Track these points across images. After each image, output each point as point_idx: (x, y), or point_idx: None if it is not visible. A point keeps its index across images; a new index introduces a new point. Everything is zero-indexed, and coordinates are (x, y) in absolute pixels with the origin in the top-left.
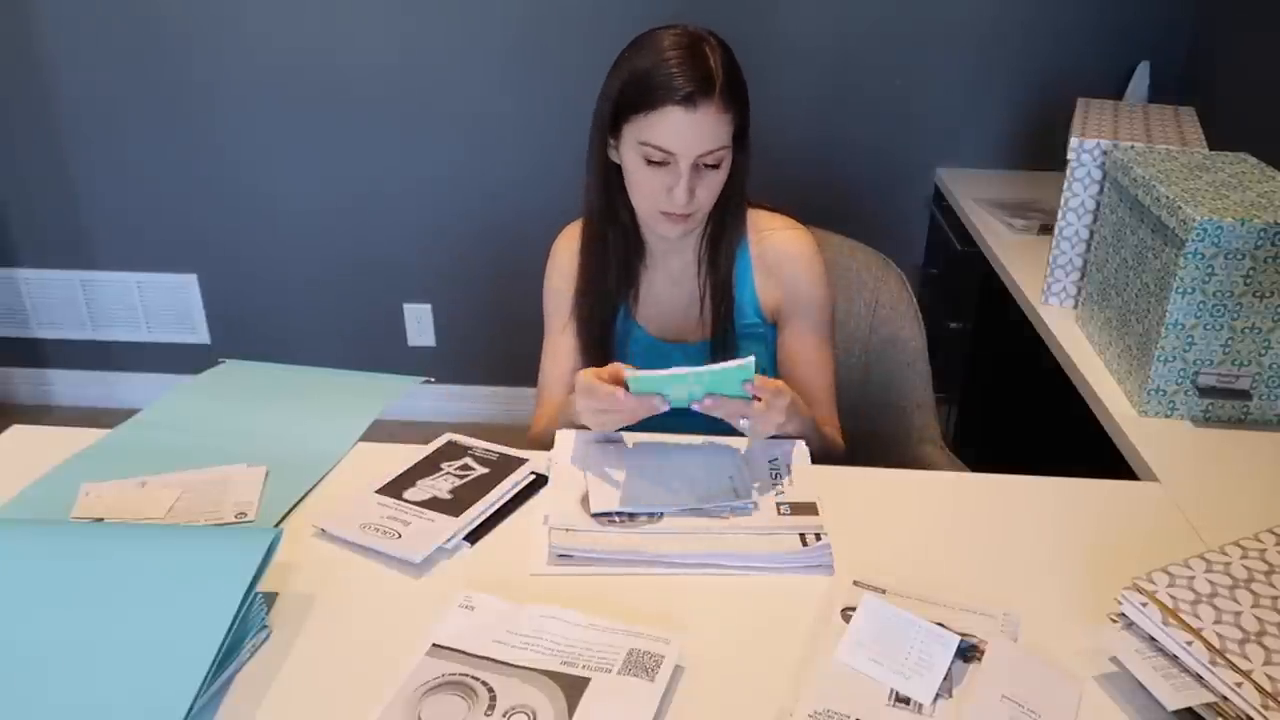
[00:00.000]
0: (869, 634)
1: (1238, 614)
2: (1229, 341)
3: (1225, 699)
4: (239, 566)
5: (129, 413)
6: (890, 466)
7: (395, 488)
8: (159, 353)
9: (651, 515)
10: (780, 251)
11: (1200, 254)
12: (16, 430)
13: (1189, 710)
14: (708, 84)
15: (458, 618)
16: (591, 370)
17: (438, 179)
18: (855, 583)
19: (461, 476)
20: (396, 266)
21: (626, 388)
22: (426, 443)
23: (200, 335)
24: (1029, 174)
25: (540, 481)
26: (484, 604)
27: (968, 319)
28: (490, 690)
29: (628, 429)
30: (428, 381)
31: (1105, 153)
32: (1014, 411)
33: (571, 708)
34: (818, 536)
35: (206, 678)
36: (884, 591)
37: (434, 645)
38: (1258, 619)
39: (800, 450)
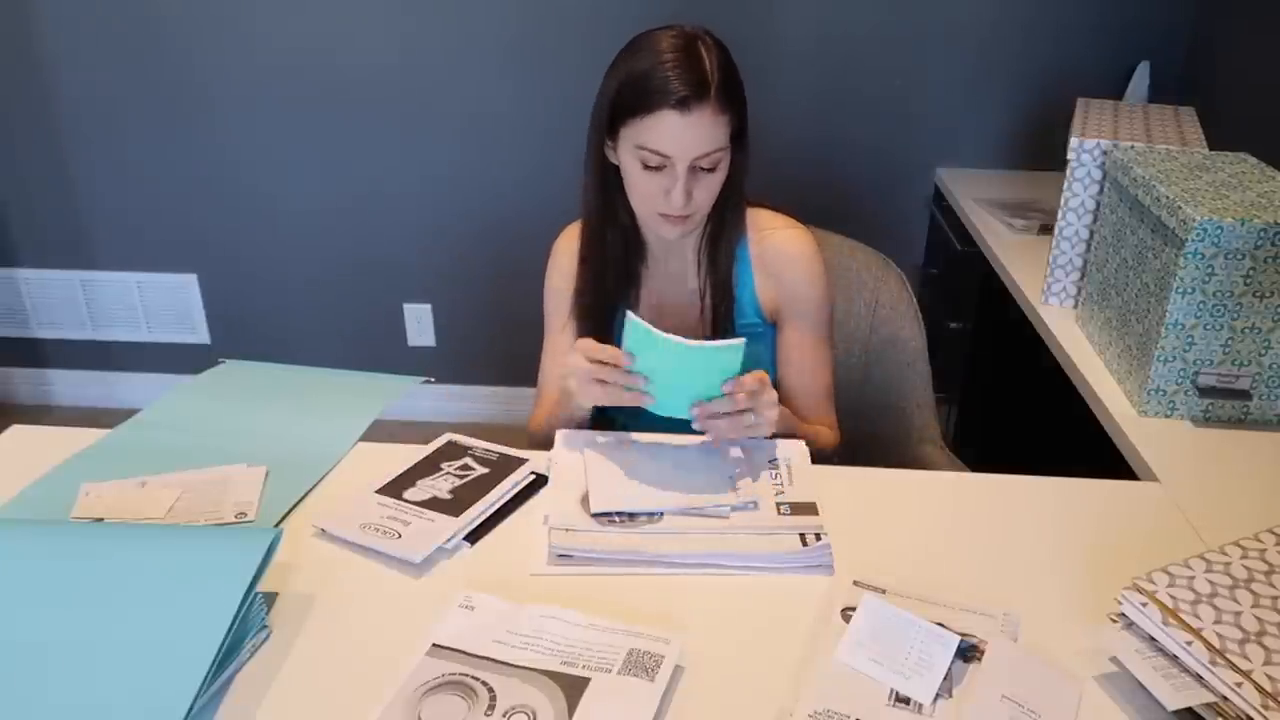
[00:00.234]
0: (869, 634)
1: (1238, 614)
2: (1229, 341)
3: (1225, 699)
4: (239, 566)
5: (129, 413)
6: (890, 466)
7: (395, 488)
8: (159, 353)
9: (651, 515)
10: (780, 251)
11: (1200, 254)
12: (16, 430)
13: (1189, 710)
14: (703, 87)
15: (458, 618)
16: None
17: (438, 179)
18: (855, 583)
19: (461, 476)
20: (396, 266)
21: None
22: (426, 443)
23: (200, 335)
24: (1029, 174)
25: (540, 481)
26: (484, 604)
27: (968, 319)
28: (490, 690)
29: (629, 428)
30: (428, 381)
31: (1105, 153)
32: (1014, 411)
33: (571, 708)
34: (818, 536)
35: (206, 678)
36: (884, 591)
37: (434, 645)
38: (1258, 619)
39: (800, 450)
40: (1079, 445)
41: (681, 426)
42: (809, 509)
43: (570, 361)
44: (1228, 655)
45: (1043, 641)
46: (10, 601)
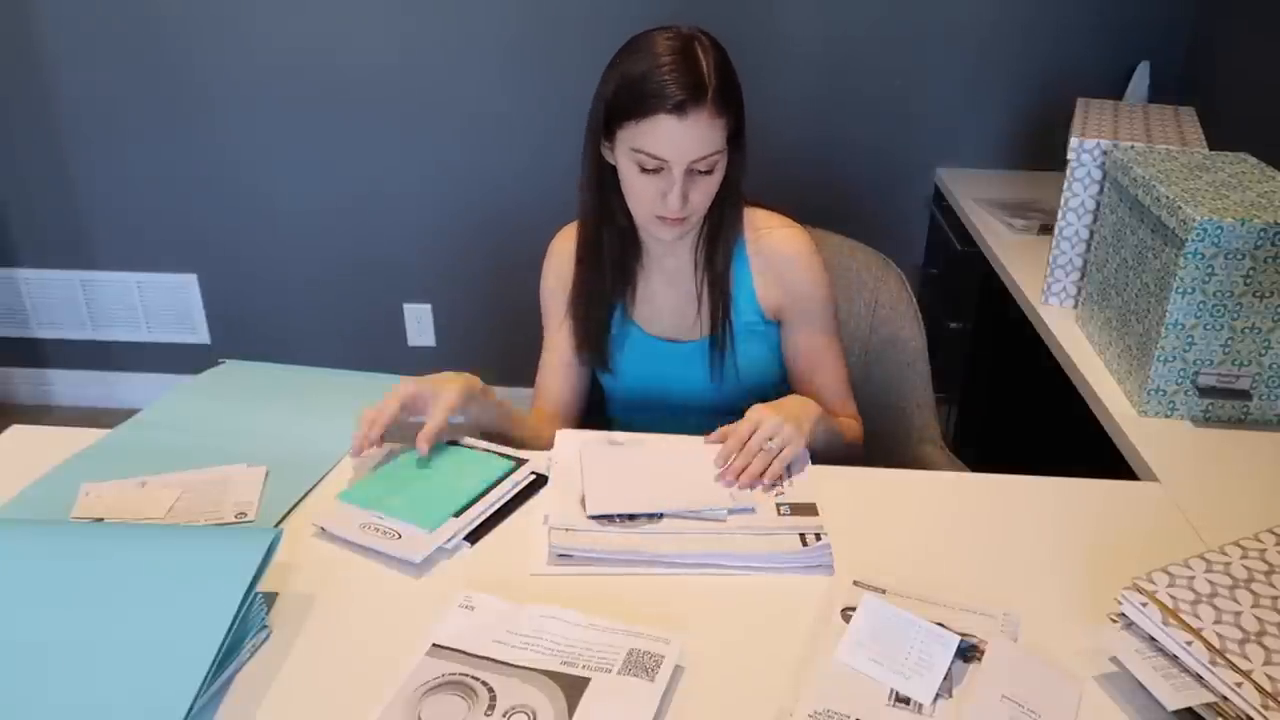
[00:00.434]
0: (869, 634)
1: (1238, 614)
2: (1229, 341)
3: (1225, 699)
4: (239, 566)
5: (129, 413)
6: (890, 466)
7: None
8: (159, 353)
9: (651, 515)
10: (778, 251)
11: (1200, 254)
12: (16, 430)
13: (1189, 710)
14: (700, 90)
15: (458, 618)
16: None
17: (437, 178)
18: (855, 583)
19: None
20: (396, 266)
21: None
22: None
23: (200, 335)
24: (1029, 174)
25: (540, 481)
26: (484, 604)
27: (968, 319)
28: (490, 690)
29: (630, 429)
30: None
31: (1105, 153)
32: (1014, 411)
33: (571, 708)
34: (818, 536)
35: (206, 678)
36: (884, 591)
37: (434, 645)
38: (1258, 619)
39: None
40: (1079, 445)
41: (682, 426)
42: (809, 509)
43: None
44: (1228, 655)
45: (1043, 641)
46: (10, 601)
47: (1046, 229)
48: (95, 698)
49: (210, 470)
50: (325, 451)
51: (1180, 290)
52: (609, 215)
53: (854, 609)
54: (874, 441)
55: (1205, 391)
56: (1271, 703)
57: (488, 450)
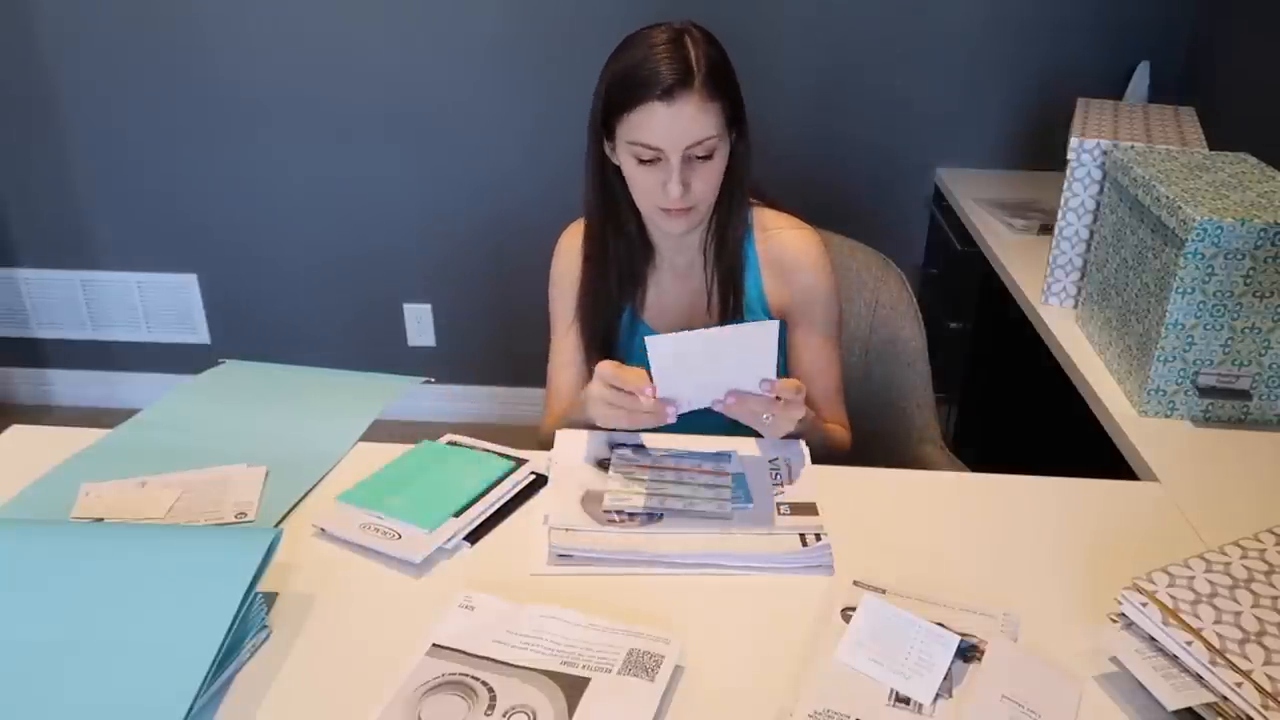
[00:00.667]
0: (869, 634)
1: (1238, 614)
2: (1229, 341)
3: (1225, 699)
4: (239, 566)
5: (129, 413)
6: (890, 466)
7: None
8: (159, 353)
9: (651, 515)
10: (787, 252)
11: (1200, 254)
12: (16, 430)
13: (1189, 710)
14: (688, 75)
15: (458, 618)
16: (616, 364)
17: (437, 179)
18: (855, 583)
19: None
20: (396, 267)
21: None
22: None
23: (200, 335)
24: (1029, 174)
25: (540, 481)
26: (484, 604)
27: (968, 319)
28: (490, 690)
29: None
30: (428, 381)
31: (1105, 153)
32: (1014, 411)
33: (571, 708)
34: (818, 536)
35: (206, 678)
36: (884, 591)
37: (434, 645)
38: (1258, 619)
39: (800, 450)
40: (1079, 445)
41: (689, 425)
42: (809, 509)
43: (592, 391)
44: (1228, 655)
45: (1043, 641)
46: (10, 601)
47: (1046, 229)
48: (95, 698)
49: (210, 470)
50: (325, 451)
51: (1180, 290)
52: (614, 215)
53: (854, 609)
54: (874, 441)
55: (1205, 391)
56: (1271, 703)
57: (488, 450)
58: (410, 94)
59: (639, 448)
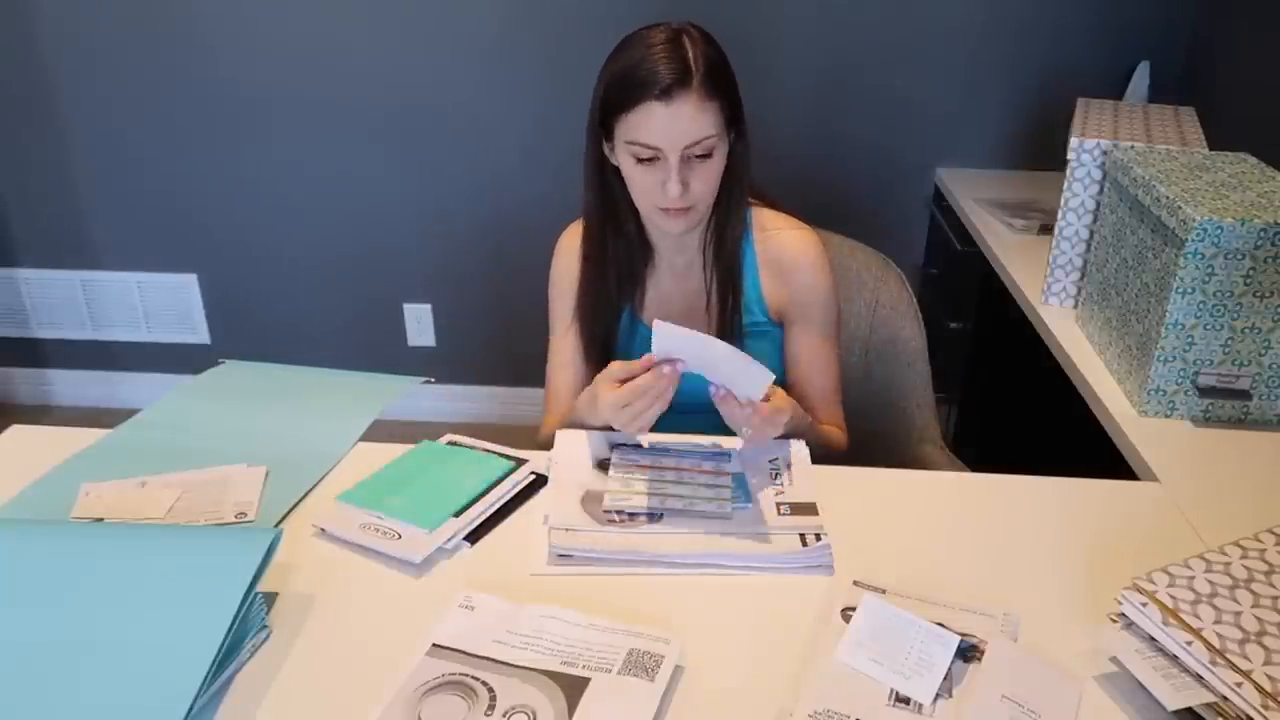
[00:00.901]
0: (869, 634)
1: (1238, 614)
2: (1229, 341)
3: (1225, 699)
4: (239, 566)
5: (129, 413)
6: (890, 466)
7: None
8: (159, 353)
9: (651, 515)
10: (786, 252)
11: (1200, 254)
12: (16, 430)
13: (1189, 710)
14: (685, 75)
15: (458, 618)
16: (621, 365)
17: (437, 179)
18: (855, 583)
19: None
20: (396, 267)
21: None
22: None
23: (200, 335)
24: (1029, 174)
25: (540, 481)
26: (484, 604)
27: (968, 319)
28: (490, 690)
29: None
30: (428, 381)
31: (1105, 153)
32: (1014, 411)
33: (571, 708)
34: (818, 536)
35: (206, 678)
36: (884, 591)
37: (434, 645)
38: (1258, 619)
39: (800, 450)
40: (1079, 445)
41: (689, 426)
42: (809, 509)
43: (603, 399)
44: (1228, 655)
45: (1043, 641)
46: (10, 601)
47: (1046, 229)
48: (95, 698)
49: (210, 470)
50: (325, 451)
51: (1180, 290)
52: (613, 215)
53: (854, 609)
54: (874, 441)
55: (1205, 391)
56: (1271, 703)
57: (488, 450)
58: (410, 94)
59: (639, 448)
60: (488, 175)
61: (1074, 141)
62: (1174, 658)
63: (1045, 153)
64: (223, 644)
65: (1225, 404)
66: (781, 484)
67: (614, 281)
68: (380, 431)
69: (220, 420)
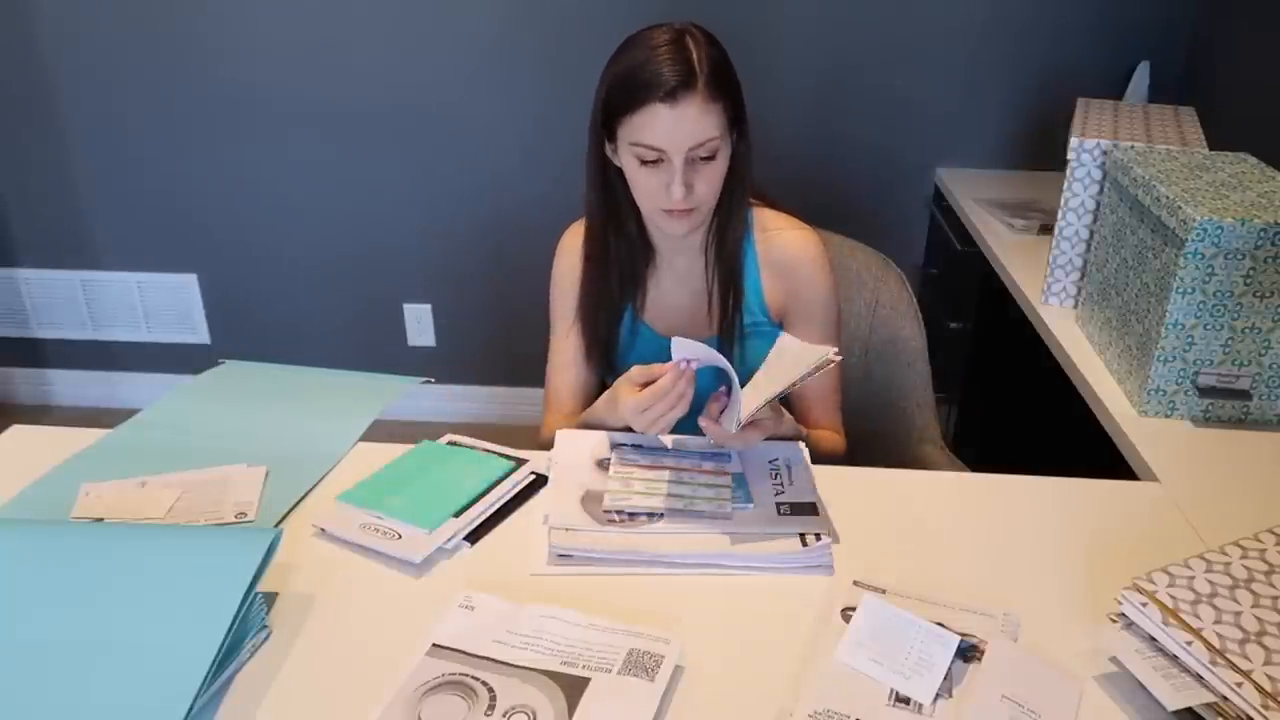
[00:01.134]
0: (869, 634)
1: (1238, 614)
2: (1229, 341)
3: (1225, 699)
4: (239, 566)
5: (129, 413)
6: (890, 466)
7: None
8: (159, 353)
9: (651, 515)
10: (787, 252)
11: (1200, 254)
12: (16, 430)
13: (1189, 710)
14: (690, 77)
15: (458, 618)
16: (641, 370)
17: (437, 179)
18: (855, 583)
19: None
20: (396, 267)
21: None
22: None
23: (200, 335)
24: (1029, 174)
25: (540, 481)
26: (484, 604)
27: (968, 319)
28: (490, 690)
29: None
30: (428, 382)
31: (1105, 153)
32: (1014, 411)
33: (571, 708)
34: (818, 536)
35: (206, 678)
36: (884, 591)
37: (434, 645)
38: (1258, 619)
39: (800, 450)
40: (1079, 445)
41: (690, 426)
42: (809, 509)
43: (624, 402)
44: (1228, 655)
45: (1043, 641)
46: (10, 601)
47: (1046, 229)
48: (95, 698)
49: (210, 470)
50: (325, 451)
51: (1180, 290)
52: (615, 216)
53: (854, 609)
54: (874, 441)
55: (1205, 391)
56: (1271, 703)
57: (488, 450)
58: (410, 94)
59: (639, 447)
60: (488, 175)
61: (1074, 141)
62: (1174, 658)
63: (1045, 153)
64: (223, 644)
65: (1225, 404)
66: (781, 484)
67: (616, 282)
68: (380, 431)
69: (220, 420)
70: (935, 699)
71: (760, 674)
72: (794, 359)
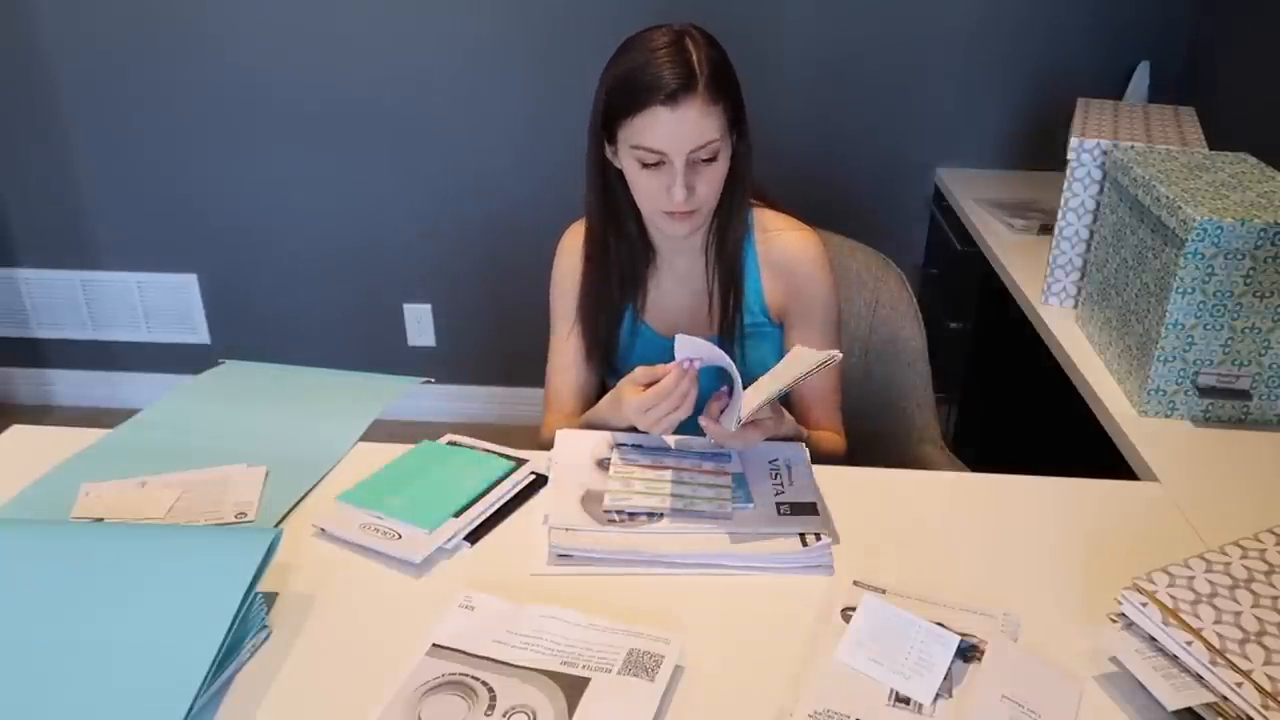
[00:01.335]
0: (869, 634)
1: (1238, 614)
2: (1229, 341)
3: (1225, 699)
4: (239, 566)
5: (129, 413)
6: (890, 466)
7: None
8: (159, 353)
9: (651, 515)
10: (787, 253)
11: (1200, 254)
12: (16, 430)
13: (1189, 710)
14: (691, 79)
15: (458, 618)
16: (645, 370)
17: (437, 179)
18: (855, 583)
19: None
20: (396, 267)
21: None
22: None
23: (200, 335)
24: (1029, 174)
25: (540, 481)
26: (484, 604)
27: (968, 319)
28: (490, 690)
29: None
30: (428, 382)
31: (1105, 153)
32: (1014, 411)
33: (571, 708)
34: (818, 536)
35: (206, 678)
36: (884, 591)
37: (434, 645)
38: (1258, 619)
39: (801, 450)
40: (1079, 445)
41: (691, 427)
42: (809, 509)
43: (628, 402)
44: (1228, 655)
45: (1043, 641)
46: (10, 601)
47: (1046, 229)
48: (95, 698)
49: (210, 470)
50: (325, 452)
51: (1180, 290)
52: (615, 217)
53: (854, 609)
54: (874, 441)
55: (1205, 391)
56: (1271, 703)
57: (488, 450)
58: (410, 94)
59: (639, 447)
60: (487, 175)
61: (1074, 141)
62: (1174, 658)
63: (1045, 153)
64: (223, 644)
65: (1225, 404)
66: (782, 484)
67: (616, 282)
68: (380, 431)
69: (220, 420)
70: (935, 699)
71: (760, 674)
72: (796, 359)
